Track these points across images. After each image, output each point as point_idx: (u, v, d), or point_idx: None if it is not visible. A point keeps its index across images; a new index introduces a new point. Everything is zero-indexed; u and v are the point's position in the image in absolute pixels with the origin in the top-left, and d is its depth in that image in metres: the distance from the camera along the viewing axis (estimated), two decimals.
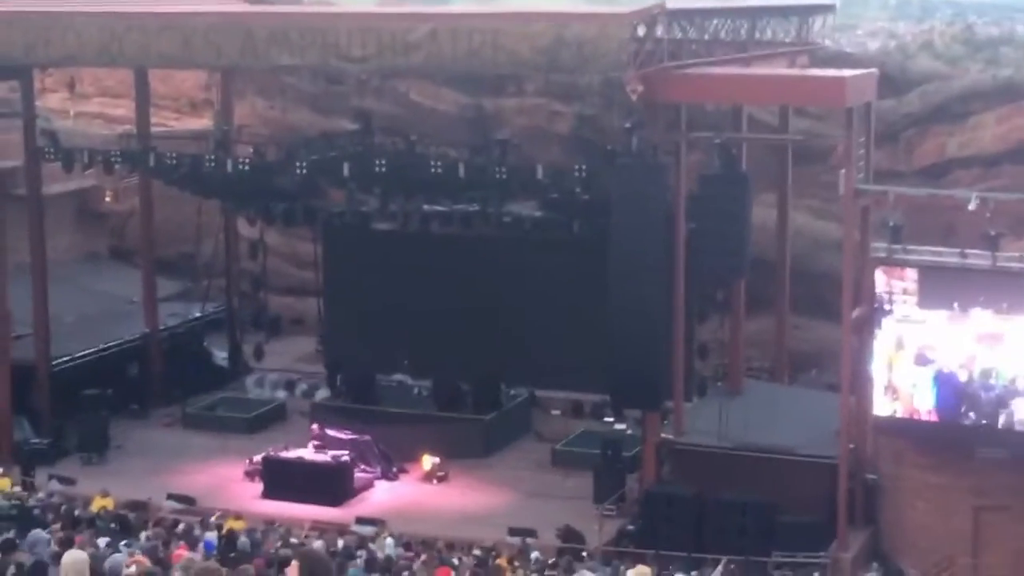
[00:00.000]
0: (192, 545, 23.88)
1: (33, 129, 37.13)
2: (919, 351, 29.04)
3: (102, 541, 22.08)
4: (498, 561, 25.62)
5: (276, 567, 19.37)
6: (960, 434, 29.03)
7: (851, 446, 30.26)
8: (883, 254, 29.69)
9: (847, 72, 31.70)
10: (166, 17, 33.71)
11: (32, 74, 37.72)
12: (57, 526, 24.91)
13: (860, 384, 30.27)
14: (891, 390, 29.52)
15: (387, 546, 27.34)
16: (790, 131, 35.98)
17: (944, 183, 38.78)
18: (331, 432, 34.93)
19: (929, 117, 41.80)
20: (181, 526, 28.78)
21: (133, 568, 14.98)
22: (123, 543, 22.21)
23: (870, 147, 31.05)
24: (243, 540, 25.65)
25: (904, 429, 29.91)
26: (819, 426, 31.57)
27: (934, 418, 29.23)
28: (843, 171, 29.94)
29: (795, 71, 34.70)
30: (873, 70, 32.73)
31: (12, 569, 13.51)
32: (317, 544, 25.90)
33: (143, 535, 24.50)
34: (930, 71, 43.56)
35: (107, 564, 16.59)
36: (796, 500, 30.02)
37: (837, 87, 30.38)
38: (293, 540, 27.12)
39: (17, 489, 31.12)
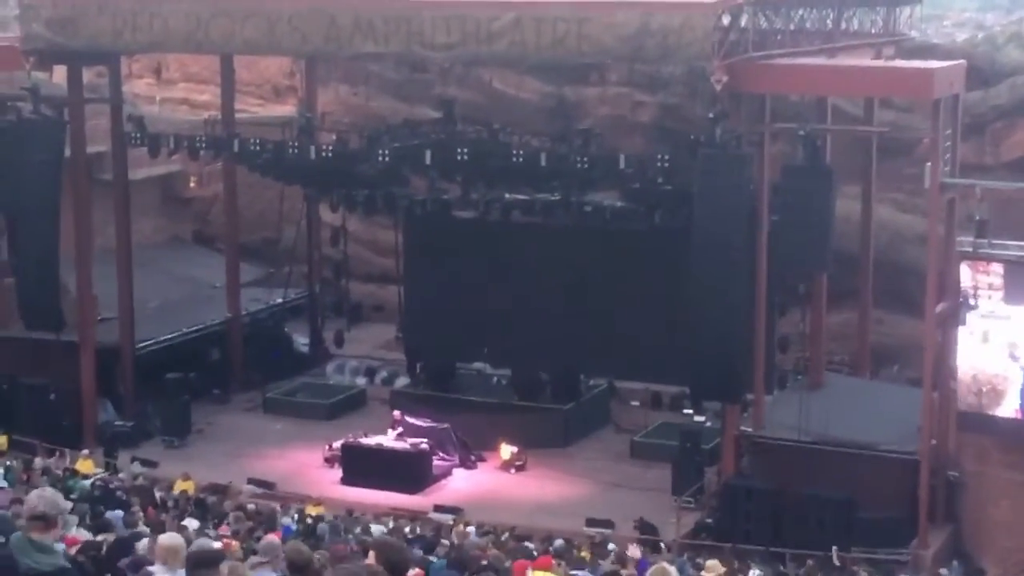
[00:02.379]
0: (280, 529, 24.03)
1: (120, 114, 37.50)
2: (1008, 348, 28.70)
3: (190, 524, 22.28)
4: (581, 554, 25.54)
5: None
6: None
7: (933, 442, 29.95)
8: (969, 248, 29.33)
9: (934, 64, 31.34)
10: (251, 4, 33.91)
11: (119, 60, 38.11)
12: (139, 507, 25.20)
13: (943, 379, 29.95)
14: (977, 385, 29.19)
15: (469, 534, 27.33)
16: (875, 123, 35.64)
17: None
18: (410, 419, 35.05)
19: (1017, 109, 41.24)
20: (253, 508, 29.08)
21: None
22: (210, 527, 22.40)
23: (956, 140, 30.69)
24: (322, 526, 25.78)
25: (988, 426, 29.55)
26: (901, 421, 31.28)
27: (1020, 415, 28.86)
28: (929, 164, 29.62)
29: (881, 62, 34.33)
30: (961, 62, 32.34)
31: (104, 548, 13.72)
32: (377, 529, 25.99)
33: (230, 517, 24.69)
34: (1019, 63, 42.93)
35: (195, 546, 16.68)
36: (876, 496, 29.77)
37: (924, 79, 30.04)
38: (374, 528, 27.21)
39: (100, 470, 31.52)
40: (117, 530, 18.85)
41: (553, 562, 20.44)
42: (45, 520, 8.24)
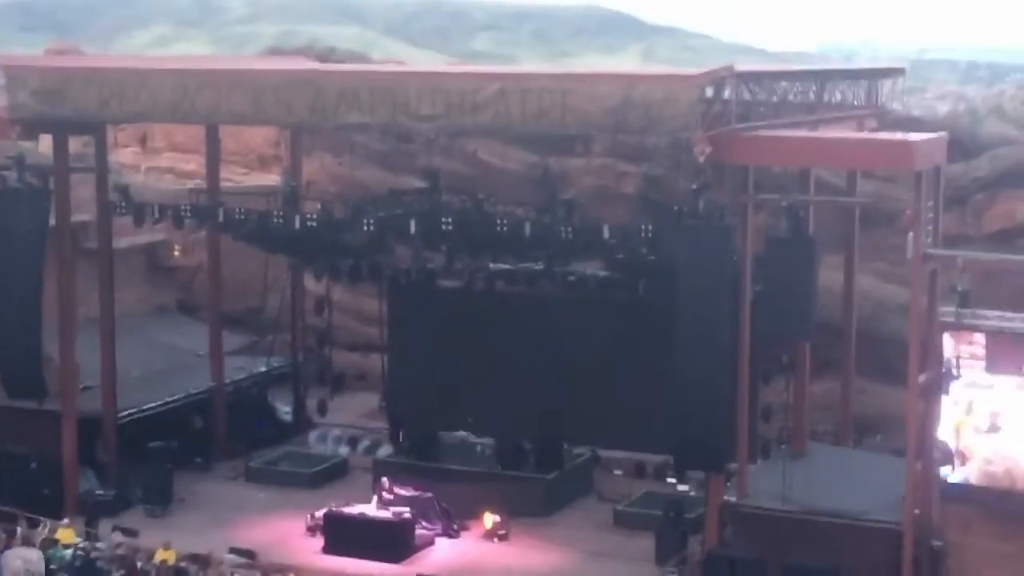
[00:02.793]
0: None
1: (105, 183, 37.60)
2: (990, 418, 28.80)
3: None
4: None
5: None
6: None
7: (916, 512, 29.93)
8: (951, 319, 29.45)
9: (916, 136, 31.57)
10: (237, 75, 34.14)
11: (105, 130, 38.24)
12: None
13: (926, 449, 29.98)
14: (959, 455, 29.25)
15: None
16: (858, 194, 35.85)
17: (1014, 248, 38.46)
18: (394, 488, 34.96)
19: (999, 181, 41.54)
20: None
21: None
22: None
23: (939, 211, 30.86)
24: None
25: (972, 496, 29.55)
26: (884, 491, 31.26)
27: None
28: (911, 235, 29.76)
29: (864, 135, 34.61)
30: (942, 134, 32.56)
31: None
32: None
33: None
34: (1000, 135, 43.28)
35: None
36: (860, 566, 29.71)
37: (906, 151, 30.25)
38: None
39: (81, 540, 31.38)
40: None
41: None
42: None
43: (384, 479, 35.44)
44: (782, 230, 33.35)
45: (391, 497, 34.64)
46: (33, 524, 32.17)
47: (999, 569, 29.34)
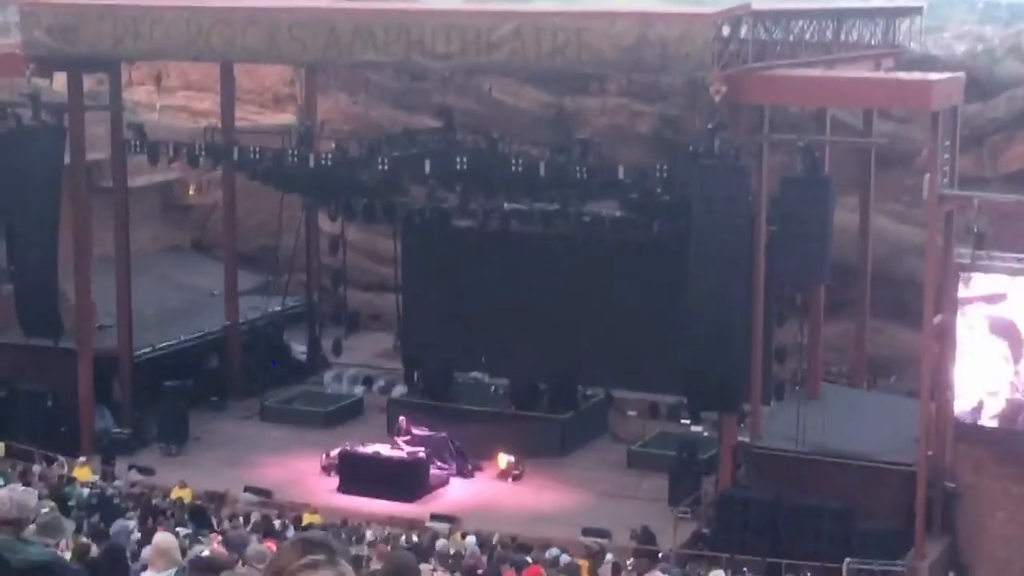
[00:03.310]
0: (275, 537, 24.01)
1: (120, 122, 37.54)
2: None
3: (181, 531, 22.28)
4: (579, 562, 25.52)
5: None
6: None
7: (930, 453, 29.97)
8: (966, 260, 29.38)
9: (933, 76, 31.39)
10: (252, 12, 33.98)
11: (120, 67, 38.15)
12: (136, 515, 25.22)
13: (940, 391, 29.98)
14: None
15: (468, 545, 27.33)
16: (874, 134, 35.67)
17: None
18: (410, 427, 35.08)
19: (1016, 122, 41.28)
20: (255, 517, 29.08)
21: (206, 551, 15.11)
22: (201, 534, 22.39)
23: (955, 152, 30.72)
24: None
25: (985, 437, 29.58)
26: (898, 432, 31.29)
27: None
28: (927, 176, 29.65)
29: (880, 74, 34.40)
30: (960, 74, 32.38)
31: (96, 552, 13.69)
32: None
33: (225, 525, 24.71)
34: (1018, 75, 42.97)
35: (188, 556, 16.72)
36: (873, 507, 29.79)
37: (923, 90, 30.09)
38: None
39: (97, 478, 31.52)
40: (112, 537, 18.88)
41: (542, 572, 20.41)
42: (17, 524, 8.17)
43: (402, 418, 35.53)
44: (798, 170, 33.25)
45: (408, 437, 34.73)
46: (49, 462, 32.32)
47: (1011, 510, 29.42)
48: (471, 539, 28.03)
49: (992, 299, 29.14)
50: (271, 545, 20.31)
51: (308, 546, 5.21)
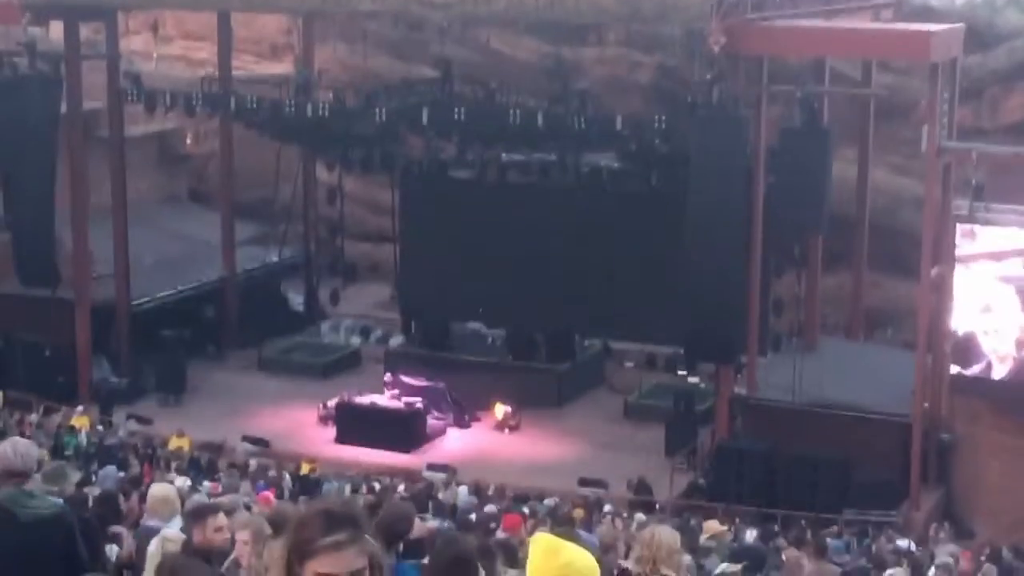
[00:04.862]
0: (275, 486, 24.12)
1: (116, 71, 37.40)
2: None
3: (180, 480, 22.36)
4: (574, 511, 25.62)
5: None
6: None
7: (925, 405, 30.04)
8: (964, 212, 29.36)
9: (932, 26, 31.27)
10: None
11: (116, 16, 37.95)
12: (134, 464, 25.32)
13: (936, 343, 30.03)
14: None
15: (459, 495, 27.46)
16: (873, 85, 35.56)
17: None
18: (404, 379, 35.12)
19: (1015, 74, 41.17)
20: (253, 464, 29.18)
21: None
22: (203, 482, 22.48)
23: (954, 103, 30.67)
24: (327, 487, 25.86)
25: (980, 389, 29.65)
26: (894, 384, 31.36)
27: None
28: (926, 127, 29.60)
29: (880, 24, 34.27)
30: (959, 25, 32.26)
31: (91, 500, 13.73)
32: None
33: (222, 473, 24.79)
34: (1017, 26, 42.82)
35: (189, 503, 16.77)
36: (869, 458, 29.89)
37: (922, 41, 30.00)
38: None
39: (96, 427, 31.60)
40: (107, 483, 18.95)
41: (521, 521, 20.38)
42: (22, 476, 8.18)
43: (387, 375, 35.56)
44: (796, 121, 33.19)
45: (395, 391, 34.78)
46: (48, 411, 32.38)
47: (1006, 462, 29.51)
48: (463, 488, 28.15)
49: (998, 256, 29.11)
50: (269, 495, 20.43)
51: (330, 521, 4.67)
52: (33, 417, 30.43)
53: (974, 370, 29.88)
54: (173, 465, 27.29)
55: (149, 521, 10.71)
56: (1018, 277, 29.38)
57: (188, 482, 22.31)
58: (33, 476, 8.49)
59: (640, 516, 25.11)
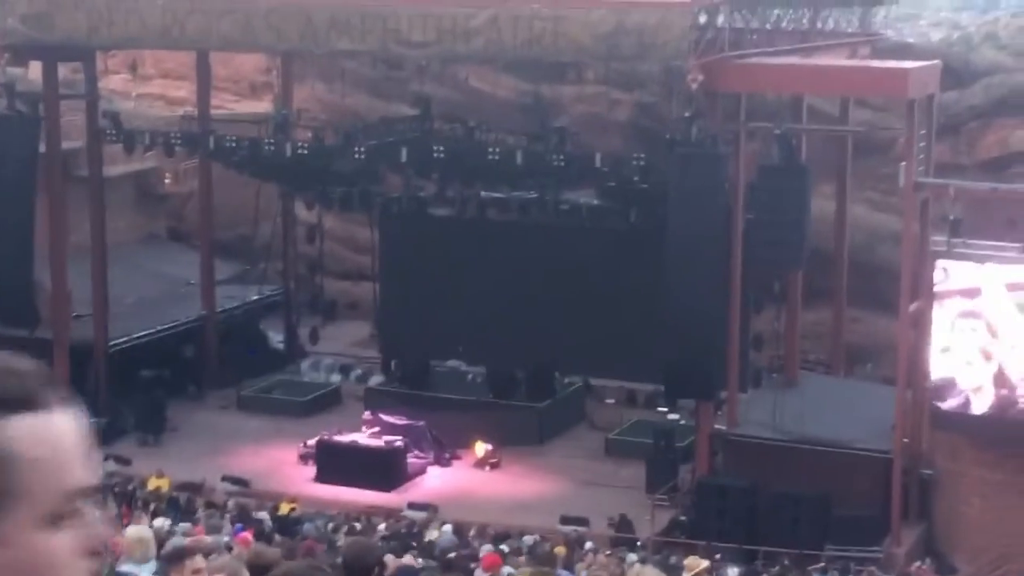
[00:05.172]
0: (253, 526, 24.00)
1: (95, 110, 37.41)
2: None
3: (159, 522, 22.23)
4: (556, 549, 25.56)
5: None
6: (1019, 430, 28.78)
7: (906, 440, 30.06)
8: (943, 248, 29.46)
9: (909, 64, 31.46)
10: (228, 1, 33.86)
11: (95, 56, 38.00)
12: (113, 505, 25.18)
13: (916, 378, 30.07)
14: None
15: (443, 534, 27.35)
16: (851, 122, 35.77)
17: (1006, 177, 38.39)
18: (385, 417, 35.03)
19: (992, 110, 41.43)
20: (231, 504, 29.03)
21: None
22: (181, 524, 22.34)
23: (931, 139, 30.82)
24: (308, 526, 25.76)
25: (961, 424, 29.67)
26: (875, 420, 31.38)
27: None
28: (904, 163, 29.74)
29: (857, 62, 34.47)
30: (936, 62, 32.48)
31: None
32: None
33: (201, 514, 24.68)
34: (994, 63, 43.12)
35: (168, 545, 16.66)
36: (850, 494, 29.86)
37: (899, 79, 30.15)
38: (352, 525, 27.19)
39: None
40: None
41: (499, 561, 20.35)
42: None
43: (367, 412, 35.49)
44: (774, 158, 33.32)
45: (376, 429, 34.70)
46: None
47: (987, 497, 29.51)
48: (447, 528, 28.06)
49: (969, 293, 29.17)
50: (247, 536, 20.32)
51: None
52: None
53: (952, 404, 29.88)
54: (151, 506, 27.12)
55: (123, 566, 10.60)
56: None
57: (167, 523, 22.21)
58: None
59: (632, 556, 25.04)
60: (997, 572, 29.20)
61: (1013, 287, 28.61)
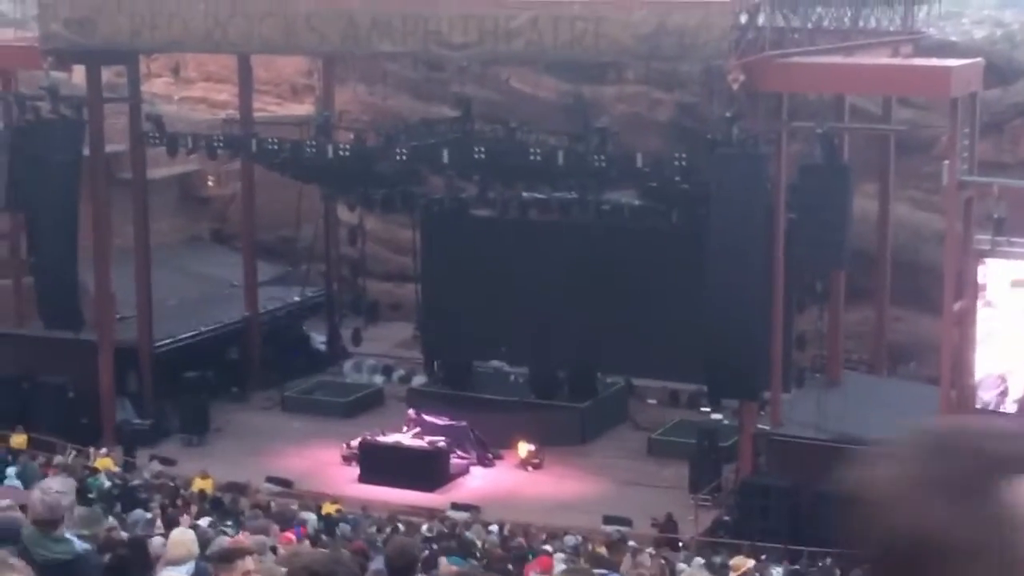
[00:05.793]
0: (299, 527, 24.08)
1: (138, 114, 37.66)
2: None
3: (203, 521, 22.35)
4: (597, 549, 25.55)
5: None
6: None
7: None
8: (986, 247, 29.30)
9: (952, 62, 31.30)
10: (269, 4, 34.01)
11: (138, 59, 38.24)
12: (158, 506, 25.30)
13: (960, 377, 29.92)
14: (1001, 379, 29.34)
15: (486, 533, 27.37)
16: (893, 121, 35.62)
17: None
18: (427, 417, 35.13)
19: None
20: (273, 505, 29.13)
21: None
22: (226, 524, 22.45)
23: (974, 138, 30.62)
24: (343, 526, 25.83)
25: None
26: (918, 419, 31.19)
27: None
28: (947, 162, 29.58)
29: (899, 61, 34.31)
30: (979, 59, 32.28)
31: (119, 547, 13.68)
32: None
33: (246, 515, 24.76)
34: None
35: (214, 545, 16.75)
36: None
37: (942, 77, 30.00)
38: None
39: (119, 469, 31.64)
40: (136, 528, 18.94)
41: (552, 563, 20.41)
42: (50, 524, 8.19)
43: (411, 410, 35.60)
44: (816, 158, 33.21)
45: (417, 429, 34.79)
46: (71, 453, 32.42)
47: None
48: (493, 528, 28.09)
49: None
50: (290, 536, 20.43)
51: None
52: (58, 458, 30.46)
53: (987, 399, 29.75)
54: (193, 508, 27.24)
55: (163, 569, 10.64)
56: None
57: (210, 523, 22.33)
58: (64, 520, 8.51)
59: (682, 565, 24.96)
60: None
61: None
